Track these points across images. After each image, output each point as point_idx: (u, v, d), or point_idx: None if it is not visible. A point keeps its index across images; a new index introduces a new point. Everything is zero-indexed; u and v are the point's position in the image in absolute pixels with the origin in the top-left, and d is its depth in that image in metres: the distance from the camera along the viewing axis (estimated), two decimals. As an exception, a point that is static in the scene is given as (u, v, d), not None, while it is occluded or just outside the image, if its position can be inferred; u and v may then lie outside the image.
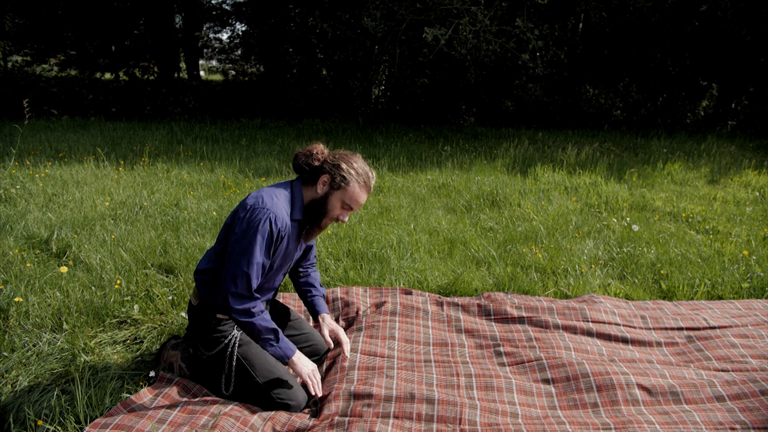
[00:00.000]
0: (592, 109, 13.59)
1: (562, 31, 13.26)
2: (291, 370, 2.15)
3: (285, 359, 2.07)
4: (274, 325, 2.03)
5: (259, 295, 2.02)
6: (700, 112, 13.61)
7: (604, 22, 13.00)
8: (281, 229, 2.00)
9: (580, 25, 13.34)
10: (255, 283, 1.97)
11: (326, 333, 2.37)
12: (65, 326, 2.57)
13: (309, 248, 2.44)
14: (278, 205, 2.01)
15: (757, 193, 6.00)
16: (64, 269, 3.01)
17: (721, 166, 7.45)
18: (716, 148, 8.72)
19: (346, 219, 2.15)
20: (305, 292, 2.47)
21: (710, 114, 13.33)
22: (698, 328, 2.74)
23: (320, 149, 2.11)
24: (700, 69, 12.43)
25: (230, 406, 1.97)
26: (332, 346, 2.40)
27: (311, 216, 2.11)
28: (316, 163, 2.08)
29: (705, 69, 12.43)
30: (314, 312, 2.45)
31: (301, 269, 2.46)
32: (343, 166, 2.04)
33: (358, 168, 2.06)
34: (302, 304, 2.93)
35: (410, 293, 3.06)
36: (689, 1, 11.51)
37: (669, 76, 12.78)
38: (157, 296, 2.95)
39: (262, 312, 2.01)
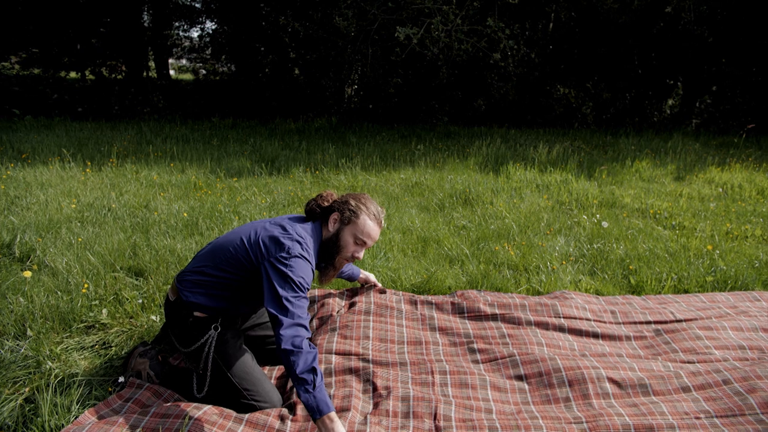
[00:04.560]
0: (562, 108, 13.81)
1: (532, 31, 13.43)
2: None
3: (315, 415, 1.76)
4: (313, 364, 1.80)
5: (307, 326, 1.90)
6: (666, 111, 13.96)
7: (573, 23, 13.22)
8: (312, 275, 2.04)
9: (551, 25, 13.53)
10: (300, 312, 1.89)
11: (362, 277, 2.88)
12: (29, 332, 2.50)
13: None
14: (312, 254, 2.04)
15: (720, 189, 6.19)
16: (27, 274, 2.92)
17: (686, 163, 7.66)
18: (682, 146, 8.96)
19: (361, 255, 2.16)
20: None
21: (676, 112, 13.69)
22: (665, 322, 2.81)
23: (329, 192, 2.20)
24: (665, 69, 12.75)
25: (204, 410, 1.93)
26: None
27: (325, 256, 2.15)
28: (326, 204, 2.15)
29: (670, 69, 12.75)
30: (351, 278, 2.83)
31: None
32: (352, 201, 2.12)
33: (366, 203, 2.13)
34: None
35: (384, 292, 3.06)
36: (655, 3, 11.80)
37: (636, 76, 13.07)
38: (127, 299, 2.89)
39: (310, 348, 1.83)
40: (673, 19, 11.95)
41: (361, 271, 2.92)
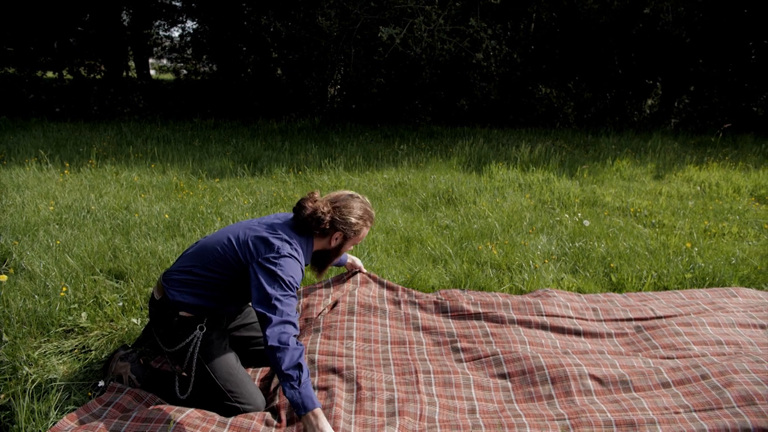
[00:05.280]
0: (544, 107, 13.93)
1: (514, 31, 13.53)
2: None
3: (300, 411, 1.76)
4: (299, 361, 1.81)
5: (296, 323, 1.90)
6: (646, 110, 14.16)
7: (555, 23, 13.35)
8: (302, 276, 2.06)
9: (532, 26, 13.65)
10: (289, 311, 1.90)
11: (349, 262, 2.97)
12: (5, 338, 2.44)
13: None
14: (301, 254, 2.07)
15: (698, 188, 6.30)
16: (3, 278, 2.86)
17: (665, 162, 7.78)
18: (661, 145, 9.10)
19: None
20: None
21: (655, 112, 13.90)
22: (646, 318, 2.85)
23: (321, 207, 2.08)
24: (645, 69, 12.94)
25: (186, 413, 1.91)
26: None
27: (320, 260, 2.26)
28: (327, 226, 2.11)
29: (650, 69, 12.95)
30: (339, 264, 2.89)
31: None
32: (353, 220, 2.13)
33: (363, 214, 2.17)
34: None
35: (370, 277, 3.04)
36: (634, 4, 11.97)
37: (617, 76, 13.25)
38: (107, 303, 2.84)
39: (297, 345, 1.83)
40: (652, 20, 12.14)
41: (348, 255, 2.96)
